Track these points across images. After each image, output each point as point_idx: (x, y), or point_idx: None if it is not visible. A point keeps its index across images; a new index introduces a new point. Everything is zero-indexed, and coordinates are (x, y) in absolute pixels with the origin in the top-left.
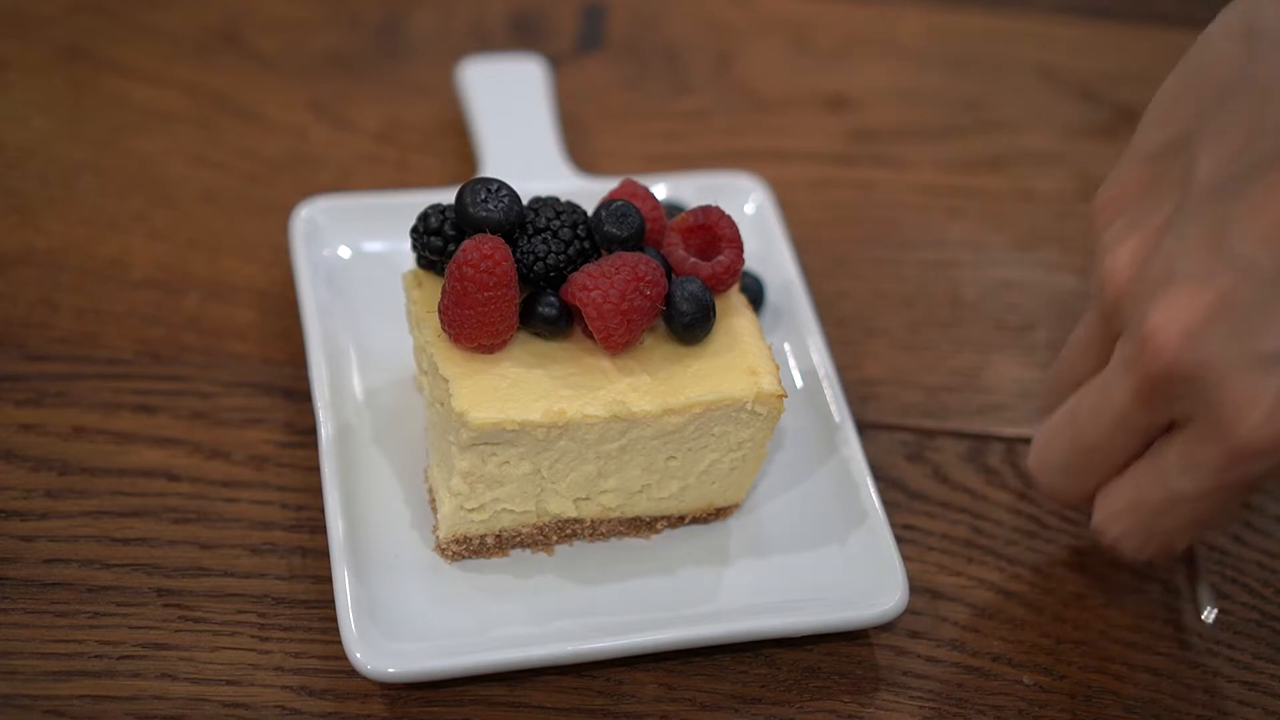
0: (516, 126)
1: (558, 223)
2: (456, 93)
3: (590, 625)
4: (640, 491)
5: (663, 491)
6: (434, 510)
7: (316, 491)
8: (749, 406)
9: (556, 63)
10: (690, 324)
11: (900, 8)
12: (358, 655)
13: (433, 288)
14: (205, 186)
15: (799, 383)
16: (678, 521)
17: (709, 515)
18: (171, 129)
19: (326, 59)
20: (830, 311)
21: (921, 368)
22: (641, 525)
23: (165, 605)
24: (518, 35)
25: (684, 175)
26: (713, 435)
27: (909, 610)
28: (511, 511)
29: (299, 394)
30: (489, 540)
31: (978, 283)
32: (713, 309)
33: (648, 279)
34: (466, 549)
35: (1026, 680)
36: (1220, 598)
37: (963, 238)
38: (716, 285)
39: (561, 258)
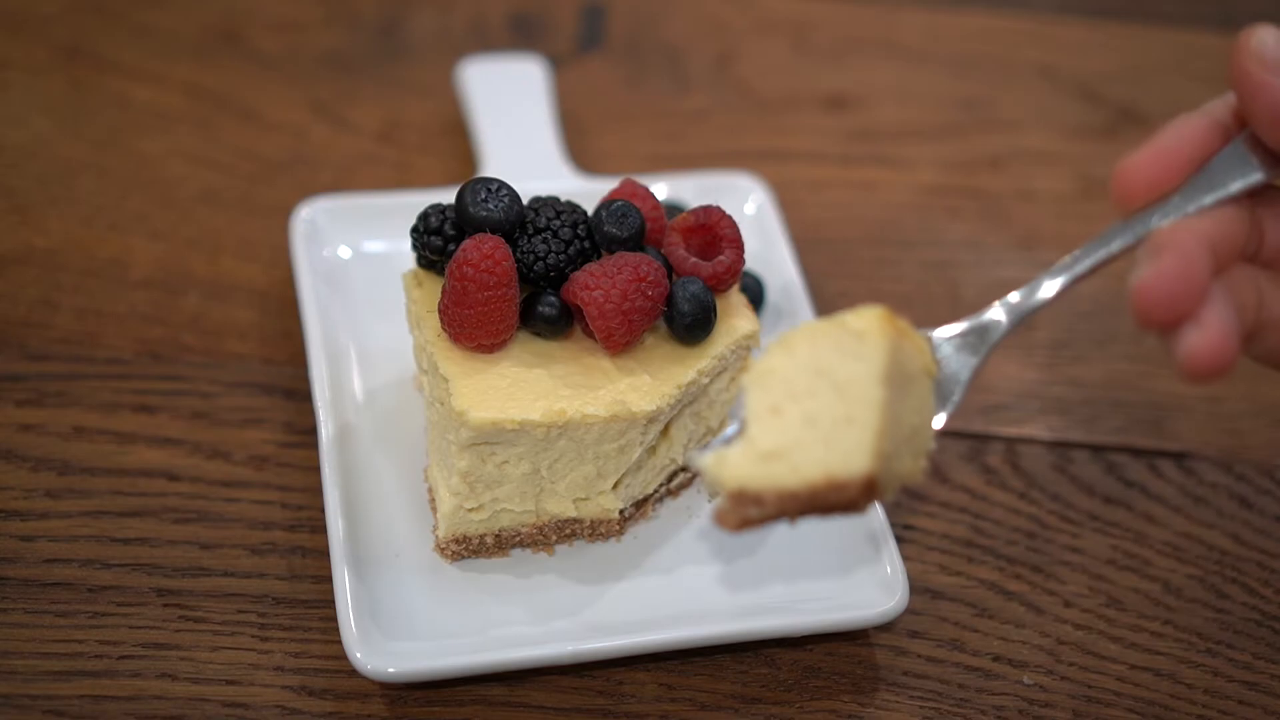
0: (516, 126)
1: (558, 223)
2: (456, 93)
3: (590, 625)
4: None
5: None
6: (434, 510)
7: (316, 491)
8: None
9: (556, 63)
10: (691, 325)
11: (900, 8)
12: (358, 655)
13: (433, 287)
14: (205, 186)
15: None
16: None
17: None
18: (171, 129)
19: (326, 59)
20: (830, 311)
21: None
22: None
23: (165, 605)
24: (518, 35)
25: (684, 175)
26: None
27: (909, 610)
28: (511, 511)
29: (299, 394)
30: (489, 540)
31: (978, 283)
32: (714, 310)
33: (650, 279)
34: (466, 549)
35: (1026, 680)
36: (1220, 597)
37: (963, 238)
38: (717, 285)
39: (561, 258)
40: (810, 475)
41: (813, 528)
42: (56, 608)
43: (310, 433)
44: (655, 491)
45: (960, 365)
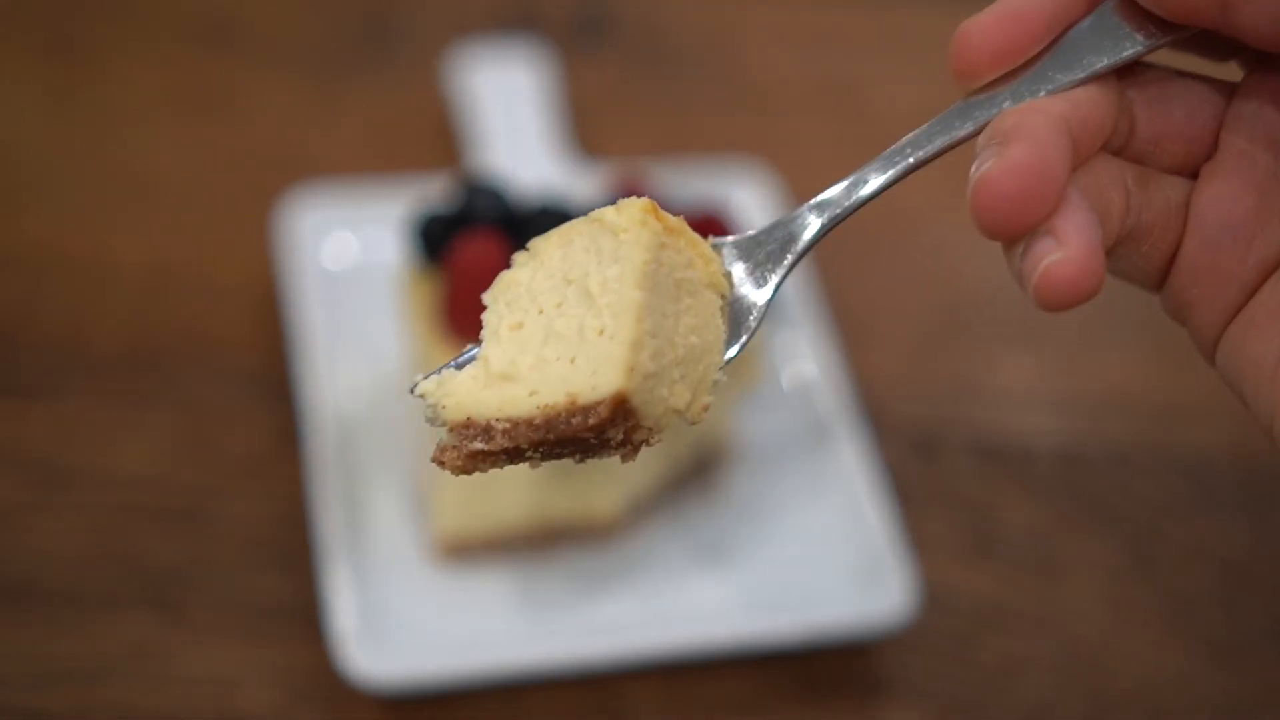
0: (514, 121)
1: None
2: (453, 88)
3: (590, 627)
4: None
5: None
6: (432, 511)
7: (312, 493)
8: None
9: (556, 57)
10: None
11: (900, 8)
12: (352, 659)
13: (431, 287)
14: (197, 183)
15: (799, 383)
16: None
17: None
18: (162, 124)
19: (321, 54)
20: (830, 311)
21: (922, 368)
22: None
23: (156, 609)
24: (515, 29)
25: (685, 170)
26: None
27: (910, 613)
28: (510, 512)
29: (293, 394)
30: (488, 541)
31: (978, 283)
32: None
33: None
34: (465, 550)
35: (1032, 684)
36: (1229, 601)
37: (963, 238)
38: None
39: None
40: (549, 397)
41: (813, 530)
42: (44, 613)
43: (305, 433)
44: (655, 492)
45: (760, 282)
